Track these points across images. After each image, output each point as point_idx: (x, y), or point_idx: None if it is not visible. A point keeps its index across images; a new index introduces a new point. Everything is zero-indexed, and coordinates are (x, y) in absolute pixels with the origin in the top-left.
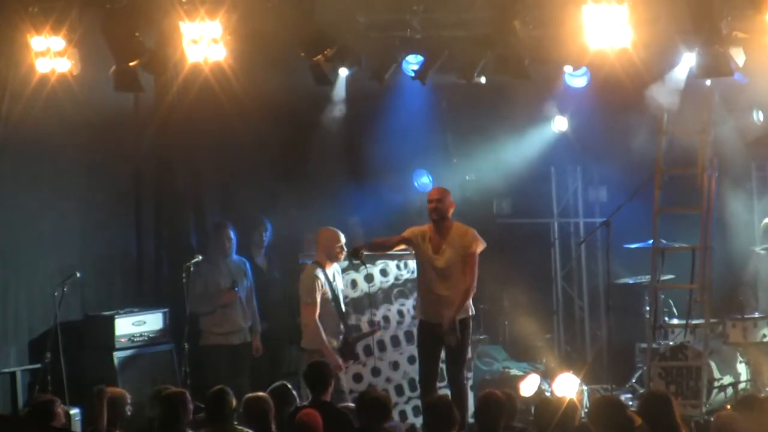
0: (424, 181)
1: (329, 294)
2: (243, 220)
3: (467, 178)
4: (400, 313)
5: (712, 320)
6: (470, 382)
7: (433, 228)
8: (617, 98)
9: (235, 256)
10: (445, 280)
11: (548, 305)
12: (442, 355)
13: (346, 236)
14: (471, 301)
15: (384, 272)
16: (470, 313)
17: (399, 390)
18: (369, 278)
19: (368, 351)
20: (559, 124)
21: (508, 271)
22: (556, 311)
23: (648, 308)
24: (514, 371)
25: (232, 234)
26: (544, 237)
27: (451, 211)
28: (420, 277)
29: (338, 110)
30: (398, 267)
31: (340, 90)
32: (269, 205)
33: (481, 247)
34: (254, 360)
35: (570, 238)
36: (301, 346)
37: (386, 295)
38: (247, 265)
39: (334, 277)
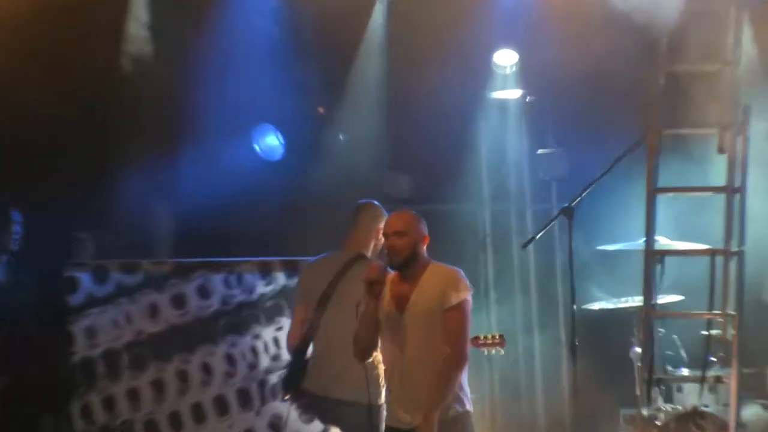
0: (271, 143)
1: None
2: None
3: (340, 138)
4: (229, 359)
5: (745, 370)
6: None
7: (397, 274)
8: (585, 18)
9: None
10: (415, 351)
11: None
12: None
13: (151, 233)
14: (466, 386)
15: (204, 291)
16: (466, 408)
17: None
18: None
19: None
20: (503, 58)
21: None
22: (487, 356)
23: (638, 350)
24: None
25: None
26: (468, 235)
27: (423, 243)
28: (382, 350)
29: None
30: (226, 283)
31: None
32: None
33: (465, 294)
34: None
35: (509, 237)
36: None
37: (206, 330)
38: None
39: None
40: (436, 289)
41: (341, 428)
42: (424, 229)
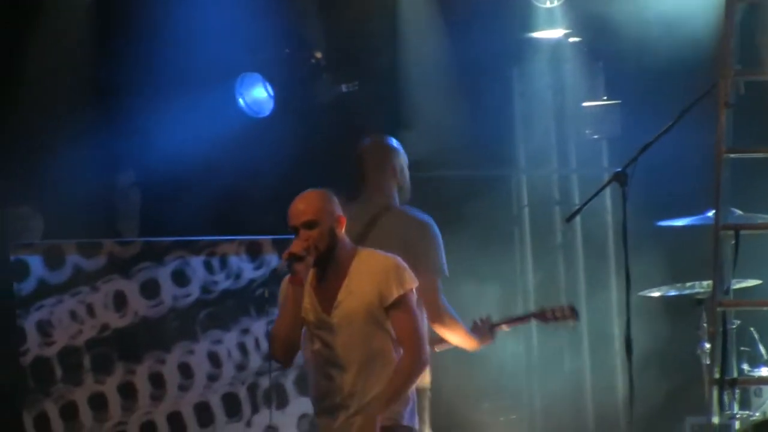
0: (257, 96)
1: None
2: None
3: (344, 89)
4: (213, 358)
5: None
6: None
7: (315, 271)
8: None
9: None
10: (353, 361)
11: (512, 339)
12: None
13: (114, 208)
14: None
15: (180, 276)
16: (409, 423)
17: None
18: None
19: None
20: None
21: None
22: (525, 353)
23: (707, 346)
24: None
25: None
26: (500, 207)
27: (340, 227)
28: (306, 362)
29: None
30: (207, 266)
31: None
32: None
33: (409, 285)
34: None
35: (551, 209)
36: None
37: (185, 324)
38: None
39: None
40: (371, 281)
41: None
42: (337, 208)
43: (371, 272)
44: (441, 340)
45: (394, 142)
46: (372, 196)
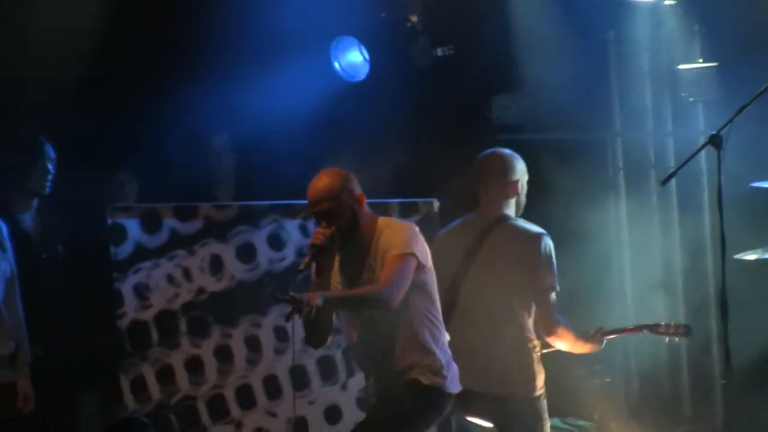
0: (353, 60)
1: None
2: None
3: (439, 53)
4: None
5: None
6: None
7: (339, 252)
8: None
9: None
10: (381, 336)
11: (605, 306)
12: None
13: (212, 167)
14: (443, 360)
15: (276, 240)
16: (435, 382)
17: None
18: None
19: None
20: None
21: None
22: (619, 318)
23: None
24: None
25: None
26: (595, 170)
27: (360, 206)
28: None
29: None
30: (303, 230)
31: None
32: (50, 115)
33: (411, 249)
34: (19, 420)
35: (646, 171)
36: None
37: (281, 287)
38: (3, 230)
39: None
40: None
41: (509, 426)
42: (354, 186)
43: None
44: (549, 346)
45: (515, 155)
46: (486, 208)
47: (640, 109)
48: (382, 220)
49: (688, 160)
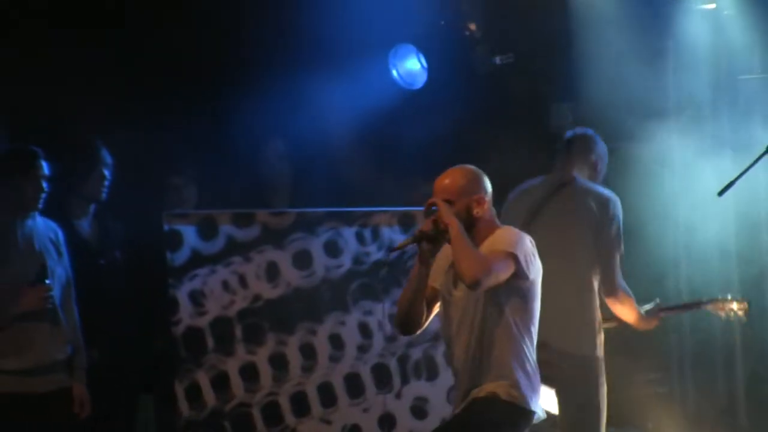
0: (411, 67)
1: None
2: (54, 144)
3: (497, 61)
4: (364, 329)
5: None
6: None
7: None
8: None
9: (39, 218)
10: (463, 333)
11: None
12: None
13: (268, 174)
14: (525, 377)
15: (333, 247)
16: (515, 396)
17: None
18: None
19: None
20: None
21: None
22: (674, 324)
23: None
24: None
25: (44, 170)
26: (653, 180)
27: (482, 210)
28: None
29: None
30: (359, 237)
31: None
32: (107, 120)
33: (514, 249)
34: (74, 425)
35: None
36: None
37: (336, 295)
38: (60, 235)
39: None
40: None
41: (568, 381)
42: (482, 187)
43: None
44: (610, 318)
45: (599, 139)
46: (559, 172)
47: (699, 116)
48: (502, 228)
49: (745, 171)
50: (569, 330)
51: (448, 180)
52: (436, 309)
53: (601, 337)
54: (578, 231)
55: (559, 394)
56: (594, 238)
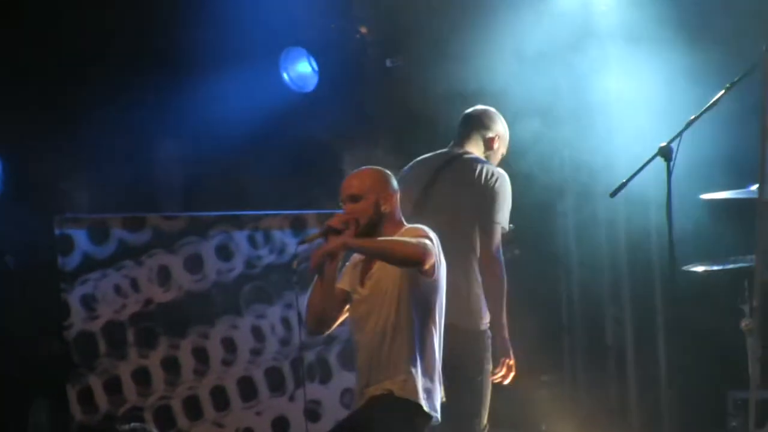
0: (302, 71)
1: None
2: None
3: (388, 64)
4: (257, 333)
5: None
6: None
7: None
8: None
9: None
10: (369, 329)
11: (552, 316)
12: None
13: (158, 182)
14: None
15: (224, 251)
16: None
17: None
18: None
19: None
20: None
21: None
22: (567, 328)
23: (749, 321)
24: None
25: None
26: (541, 181)
27: (391, 206)
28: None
29: None
30: (251, 241)
31: None
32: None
33: (423, 237)
34: None
35: (594, 183)
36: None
37: (229, 298)
38: None
39: None
40: None
41: (452, 357)
42: (389, 186)
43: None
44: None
45: (499, 116)
46: (454, 146)
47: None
48: (409, 226)
49: (637, 172)
50: (456, 304)
51: (356, 179)
52: (345, 311)
53: (486, 313)
54: (463, 203)
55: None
56: (478, 211)
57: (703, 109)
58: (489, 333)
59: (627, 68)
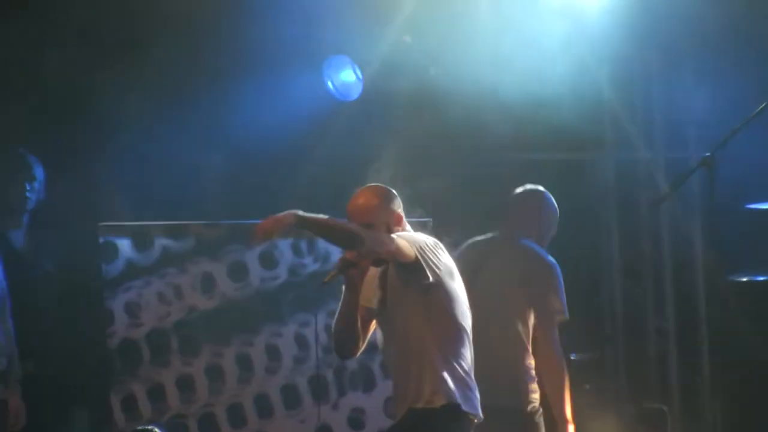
0: (346, 78)
1: None
2: None
3: (432, 72)
4: (300, 341)
5: None
6: None
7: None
8: None
9: None
10: (394, 349)
11: (595, 326)
12: None
13: (202, 190)
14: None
15: (268, 259)
16: (454, 401)
17: None
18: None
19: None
20: None
21: None
22: (612, 337)
23: None
24: None
25: None
26: (586, 191)
27: (401, 227)
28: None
29: None
30: (295, 249)
31: None
32: (38, 137)
33: (409, 239)
34: None
35: (637, 193)
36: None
37: (272, 306)
38: None
39: None
40: None
41: None
42: (395, 205)
43: None
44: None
45: (552, 200)
46: (504, 230)
47: (632, 129)
48: (422, 235)
49: (681, 182)
50: (502, 384)
51: (362, 201)
52: (373, 327)
53: (537, 395)
54: (515, 291)
55: None
56: (531, 301)
57: (748, 117)
58: (540, 414)
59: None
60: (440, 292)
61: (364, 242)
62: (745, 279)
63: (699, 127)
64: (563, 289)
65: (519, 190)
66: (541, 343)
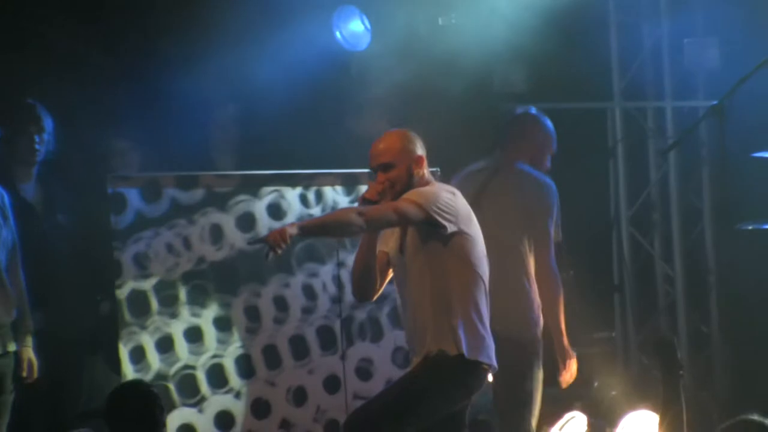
0: (354, 29)
1: None
2: None
3: (440, 22)
4: (308, 291)
5: None
6: None
7: None
8: None
9: None
10: (412, 296)
11: (603, 277)
12: None
13: (215, 140)
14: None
15: (276, 209)
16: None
17: None
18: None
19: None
20: None
21: None
22: (620, 287)
23: None
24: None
25: None
26: (595, 139)
27: (421, 170)
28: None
29: None
30: (303, 199)
31: None
32: (49, 86)
33: (415, 196)
34: (23, 390)
35: (645, 142)
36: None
37: (281, 257)
38: (5, 199)
39: None
40: None
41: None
42: (418, 148)
43: None
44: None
45: (546, 121)
46: (499, 156)
47: (640, 78)
48: (436, 185)
49: (690, 130)
50: (510, 313)
51: (384, 144)
52: (390, 274)
53: (541, 321)
54: (514, 217)
55: (494, 377)
56: (530, 225)
57: (756, 66)
58: (541, 341)
59: None
60: (461, 239)
61: (363, 225)
62: (751, 227)
63: (708, 76)
64: (558, 209)
65: (512, 113)
66: (538, 262)
